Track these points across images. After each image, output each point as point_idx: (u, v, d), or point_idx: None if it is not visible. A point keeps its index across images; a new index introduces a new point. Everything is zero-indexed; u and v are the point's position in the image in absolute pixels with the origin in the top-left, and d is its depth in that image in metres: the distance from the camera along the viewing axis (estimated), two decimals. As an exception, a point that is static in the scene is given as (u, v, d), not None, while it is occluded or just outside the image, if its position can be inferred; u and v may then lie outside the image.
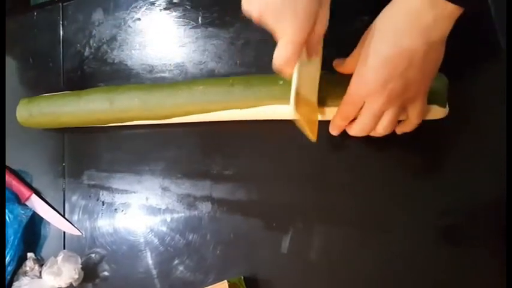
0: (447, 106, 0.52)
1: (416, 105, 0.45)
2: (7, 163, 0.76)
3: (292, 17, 0.40)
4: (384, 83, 0.41)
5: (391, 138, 0.56)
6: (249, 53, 0.65)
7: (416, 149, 0.56)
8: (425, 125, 0.55)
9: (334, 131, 0.52)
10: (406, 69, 0.40)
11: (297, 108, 0.46)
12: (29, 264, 0.69)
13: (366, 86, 0.43)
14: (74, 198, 0.72)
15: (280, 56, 0.41)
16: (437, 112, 0.51)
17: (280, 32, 0.41)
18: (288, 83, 0.49)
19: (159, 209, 0.67)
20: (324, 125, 0.59)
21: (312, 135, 0.51)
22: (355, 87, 0.45)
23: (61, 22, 0.80)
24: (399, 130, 0.50)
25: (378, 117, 0.45)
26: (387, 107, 0.44)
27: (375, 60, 0.41)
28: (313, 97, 0.52)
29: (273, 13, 0.41)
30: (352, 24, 0.60)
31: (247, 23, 0.66)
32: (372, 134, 0.48)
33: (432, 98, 0.49)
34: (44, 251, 0.72)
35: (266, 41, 0.65)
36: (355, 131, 0.48)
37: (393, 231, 0.55)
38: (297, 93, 0.46)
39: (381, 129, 0.46)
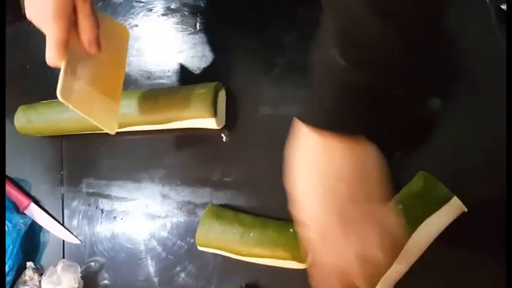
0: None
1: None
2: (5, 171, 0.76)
3: (47, 23, 0.49)
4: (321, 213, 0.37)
5: (392, 142, 0.56)
6: (248, 59, 0.65)
7: (417, 149, 0.56)
8: (424, 127, 0.55)
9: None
10: (342, 196, 0.37)
11: (69, 98, 0.52)
12: (29, 273, 0.69)
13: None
14: (73, 206, 0.72)
15: (48, 57, 0.50)
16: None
17: (46, 33, 0.50)
18: None
19: (159, 216, 0.66)
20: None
21: (107, 128, 0.58)
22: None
23: (58, 29, 0.79)
24: None
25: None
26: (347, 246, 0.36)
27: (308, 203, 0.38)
28: (110, 91, 0.58)
29: (36, 20, 0.51)
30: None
31: (244, 29, 0.66)
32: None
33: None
34: (44, 260, 0.72)
35: (264, 46, 0.65)
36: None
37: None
38: (69, 84, 0.52)
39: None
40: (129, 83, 0.71)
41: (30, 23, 0.80)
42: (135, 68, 0.72)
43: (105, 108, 0.57)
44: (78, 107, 0.54)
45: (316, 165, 0.38)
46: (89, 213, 0.70)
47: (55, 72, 0.76)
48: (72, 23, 0.50)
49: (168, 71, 0.70)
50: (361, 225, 0.36)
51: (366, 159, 0.38)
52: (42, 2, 0.49)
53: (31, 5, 0.51)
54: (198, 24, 0.69)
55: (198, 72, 0.68)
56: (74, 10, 0.50)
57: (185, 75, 0.69)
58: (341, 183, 0.37)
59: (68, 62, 0.52)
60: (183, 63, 0.69)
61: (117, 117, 0.59)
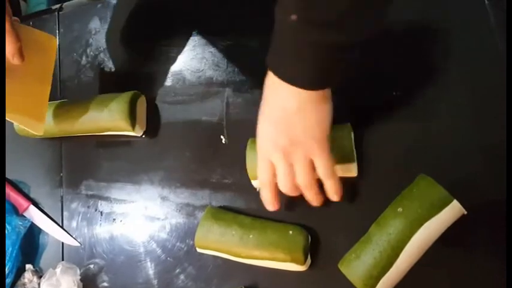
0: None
1: (318, 158, 0.49)
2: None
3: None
4: (273, 141, 0.49)
5: (392, 144, 0.56)
6: (247, 61, 0.65)
7: (417, 152, 0.56)
8: (423, 129, 0.55)
9: (266, 204, 0.54)
10: (286, 128, 0.48)
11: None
12: (28, 276, 0.69)
13: (264, 146, 0.51)
14: (72, 208, 0.72)
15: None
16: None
17: None
18: None
19: (158, 218, 0.66)
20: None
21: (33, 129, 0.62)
22: (259, 151, 0.52)
23: (57, 31, 0.79)
24: (330, 194, 0.52)
25: (289, 170, 0.50)
26: (288, 159, 0.49)
27: (263, 126, 0.50)
28: (37, 97, 0.63)
29: None
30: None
31: (244, 30, 0.66)
32: (302, 189, 0.51)
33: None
34: (43, 262, 0.72)
35: (264, 48, 0.65)
36: (282, 188, 0.51)
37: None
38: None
39: (300, 179, 0.50)
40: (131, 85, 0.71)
41: (31, 23, 0.81)
42: (134, 70, 0.72)
43: (33, 112, 0.62)
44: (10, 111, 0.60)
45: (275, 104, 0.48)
46: (88, 215, 0.70)
47: (54, 73, 0.77)
48: None
49: (168, 72, 0.70)
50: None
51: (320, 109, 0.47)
52: None
53: None
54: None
55: (197, 73, 0.68)
56: None
57: (184, 77, 0.69)
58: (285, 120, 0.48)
59: None
60: (183, 65, 0.69)
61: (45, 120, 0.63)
